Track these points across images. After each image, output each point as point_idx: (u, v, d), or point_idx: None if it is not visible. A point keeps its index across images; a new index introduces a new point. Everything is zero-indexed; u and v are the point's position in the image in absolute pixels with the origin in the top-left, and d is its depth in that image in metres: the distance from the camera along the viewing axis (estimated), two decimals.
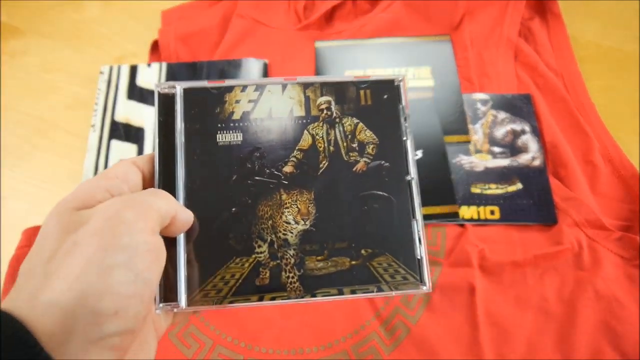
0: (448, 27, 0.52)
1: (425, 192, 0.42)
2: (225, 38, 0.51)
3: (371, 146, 0.29)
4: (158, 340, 0.25)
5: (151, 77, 0.49)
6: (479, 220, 0.42)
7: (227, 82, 0.29)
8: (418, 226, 0.28)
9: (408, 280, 0.28)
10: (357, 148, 0.29)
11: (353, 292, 0.27)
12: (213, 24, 0.52)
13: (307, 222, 0.28)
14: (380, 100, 0.29)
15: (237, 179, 0.27)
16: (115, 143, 0.46)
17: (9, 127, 0.49)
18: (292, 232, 0.28)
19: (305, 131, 0.29)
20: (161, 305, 0.25)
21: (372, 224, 0.28)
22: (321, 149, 0.28)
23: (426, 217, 0.41)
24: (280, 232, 0.27)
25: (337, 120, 0.29)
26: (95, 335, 0.19)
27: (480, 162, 0.44)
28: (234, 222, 0.27)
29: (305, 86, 0.29)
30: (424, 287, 0.27)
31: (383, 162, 0.29)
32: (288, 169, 0.28)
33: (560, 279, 0.40)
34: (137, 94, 0.48)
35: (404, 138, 0.29)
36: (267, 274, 0.27)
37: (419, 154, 0.44)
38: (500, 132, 0.46)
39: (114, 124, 0.47)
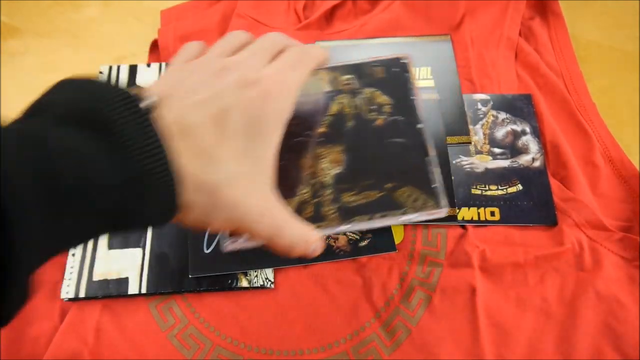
0: (448, 27, 0.52)
1: None
2: None
3: (387, 106, 0.36)
4: None
5: (151, 77, 0.49)
6: (479, 221, 0.42)
7: None
8: (431, 162, 0.34)
9: (427, 205, 0.34)
10: (375, 109, 0.36)
11: (383, 216, 0.33)
12: (213, 23, 0.52)
13: (340, 167, 0.35)
14: (391, 73, 0.37)
15: (283, 141, 0.33)
16: None
17: None
18: (328, 176, 0.34)
19: (333, 101, 0.37)
20: (228, 239, 0.32)
21: (392, 163, 0.35)
22: (347, 112, 0.36)
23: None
24: (318, 176, 0.34)
25: (358, 90, 0.37)
26: None
27: (480, 163, 0.44)
28: (282, 173, 0.33)
29: (331, 69, 0.37)
30: (442, 209, 0.33)
31: (398, 117, 0.36)
32: (321, 129, 0.36)
33: (561, 280, 0.40)
34: None
35: (412, 97, 0.36)
36: (311, 209, 0.33)
37: None
38: (500, 133, 0.46)
39: None
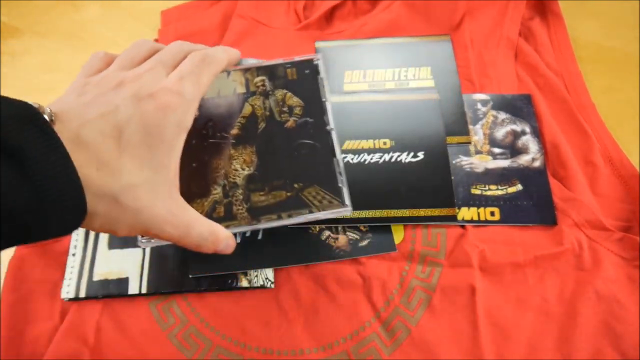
0: (448, 27, 0.52)
1: (425, 194, 0.42)
2: (225, 38, 0.51)
3: (298, 108, 0.38)
4: None
5: None
6: (479, 221, 0.42)
7: None
8: (338, 163, 0.36)
9: (333, 203, 0.35)
10: (287, 111, 0.38)
11: (290, 216, 0.35)
12: (213, 24, 0.52)
13: (251, 168, 0.36)
14: (303, 75, 0.38)
15: (196, 142, 0.36)
16: None
17: None
18: (239, 177, 0.36)
19: (246, 103, 0.38)
20: (142, 237, 0.33)
21: (301, 164, 0.36)
22: (259, 114, 0.38)
23: (424, 219, 0.41)
24: (230, 177, 0.36)
25: (270, 92, 0.38)
26: None
27: (480, 163, 0.44)
28: (195, 174, 0.35)
29: (245, 71, 0.38)
30: (347, 208, 0.35)
31: (308, 118, 0.37)
32: (234, 131, 0.37)
33: (560, 280, 0.40)
34: None
35: (323, 99, 0.38)
36: (222, 209, 0.35)
37: (420, 155, 0.44)
38: (500, 133, 0.46)
39: None
